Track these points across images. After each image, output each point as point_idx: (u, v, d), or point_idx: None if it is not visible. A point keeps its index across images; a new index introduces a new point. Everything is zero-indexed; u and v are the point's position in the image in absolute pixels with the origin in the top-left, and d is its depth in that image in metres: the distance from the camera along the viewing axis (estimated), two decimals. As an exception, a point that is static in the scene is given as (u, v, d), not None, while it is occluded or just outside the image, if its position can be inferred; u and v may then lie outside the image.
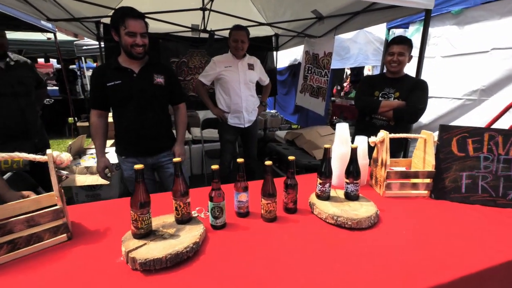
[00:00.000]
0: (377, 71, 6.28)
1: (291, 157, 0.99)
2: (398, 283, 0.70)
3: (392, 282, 0.70)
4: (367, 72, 7.29)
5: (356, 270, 0.75)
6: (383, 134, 1.21)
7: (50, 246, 0.83)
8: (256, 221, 1.00)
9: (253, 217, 1.02)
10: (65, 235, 0.86)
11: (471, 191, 1.15)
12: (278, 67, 5.04)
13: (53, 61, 9.29)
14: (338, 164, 1.27)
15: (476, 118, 2.27)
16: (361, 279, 0.71)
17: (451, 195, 1.17)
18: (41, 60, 7.82)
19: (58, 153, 0.87)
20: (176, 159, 0.88)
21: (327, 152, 1.05)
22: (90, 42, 5.17)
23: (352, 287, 0.69)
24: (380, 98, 1.90)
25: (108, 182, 1.75)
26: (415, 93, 1.82)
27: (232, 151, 2.66)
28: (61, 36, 5.33)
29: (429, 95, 2.66)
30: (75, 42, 5.41)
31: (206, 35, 3.39)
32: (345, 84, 8.26)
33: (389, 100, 1.88)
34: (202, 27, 3.25)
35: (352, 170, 1.06)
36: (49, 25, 3.65)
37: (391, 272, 0.74)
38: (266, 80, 2.70)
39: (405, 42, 1.82)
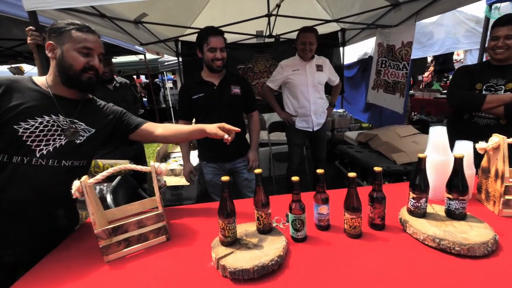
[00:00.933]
0: (472, 57, 5.26)
1: (377, 168, 0.90)
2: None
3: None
4: (455, 57, 6.17)
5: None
6: (498, 140, 0.98)
7: (153, 245, 0.97)
8: (338, 236, 0.94)
9: (335, 230, 0.97)
10: (164, 236, 0.98)
11: None
12: (345, 62, 4.73)
13: (142, 77, 11.04)
14: (432, 175, 1.09)
15: None
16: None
17: None
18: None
19: (158, 164, 1.00)
20: (257, 171, 0.90)
21: (421, 163, 0.91)
22: (170, 58, 5.92)
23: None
24: (485, 92, 1.56)
25: (193, 184, 1.97)
26: None
27: (300, 154, 2.62)
28: (147, 56, 6.26)
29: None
30: (159, 60, 6.29)
31: (269, 40, 3.45)
32: (426, 74, 7.17)
33: (498, 93, 1.53)
34: (267, 33, 3.31)
35: (457, 183, 0.89)
36: (140, 48, 4.32)
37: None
38: (336, 80, 2.57)
39: None
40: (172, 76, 10.51)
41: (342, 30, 4.08)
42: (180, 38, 3.68)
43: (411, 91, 5.69)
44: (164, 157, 3.24)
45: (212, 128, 1.08)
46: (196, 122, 1.82)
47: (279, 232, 0.93)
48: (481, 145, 1.03)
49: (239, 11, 2.99)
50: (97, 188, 1.74)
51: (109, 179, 1.54)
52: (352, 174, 0.88)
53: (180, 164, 2.96)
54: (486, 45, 1.64)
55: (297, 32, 2.33)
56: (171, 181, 2.81)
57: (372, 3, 2.82)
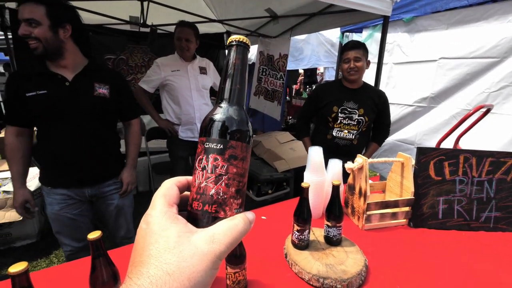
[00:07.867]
0: (329, 73, 6.48)
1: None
2: None
3: None
4: (318, 72, 7.50)
5: None
6: (361, 160, 1.06)
7: None
8: (220, 295, 0.74)
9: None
10: None
11: (447, 217, 1.09)
12: (231, 67, 4.76)
13: None
14: (311, 195, 1.09)
15: (425, 125, 2.37)
16: None
17: (429, 222, 1.09)
18: None
19: None
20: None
21: (304, 192, 0.85)
22: (-7, 31, 4.10)
23: None
24: (340, 115, 1.68)
25: (30, 218, 1.31)
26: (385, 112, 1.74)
27: (185, 168, 2.32)
28: None
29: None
30: (-29, 30, 4.24)
31: (146, 29, 2.93)
32: (297, 83, 8.36)
33: (352, 116, 1.67)
34: (142, 21, 2.78)
35: (335, 211, 0.88)
36: None
37: None
38: (220, 84, 2.42)
39: (359, 46, 1.62)
40: (7, 57, 7.56)
41: (228, 32, 4.04)
42: (7, 4, 2.55)
43: (288, 98, 6.46)
44: (-27, 181, 2.12)
45: None
46: (38, 131, 1.21)
47: None
48: (349, 165, 1.10)
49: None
50: None
51: None
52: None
53: (5, 191, 2.02)
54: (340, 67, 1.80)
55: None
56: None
57: (254, 11, 2.87)
